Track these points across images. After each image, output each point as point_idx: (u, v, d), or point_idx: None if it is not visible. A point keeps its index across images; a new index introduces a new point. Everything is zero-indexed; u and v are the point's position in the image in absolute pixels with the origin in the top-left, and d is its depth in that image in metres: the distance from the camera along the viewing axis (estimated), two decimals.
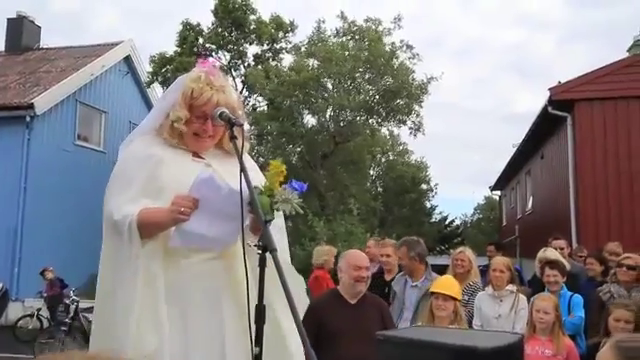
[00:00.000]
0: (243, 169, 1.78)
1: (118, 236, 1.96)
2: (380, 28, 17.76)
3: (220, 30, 18.31)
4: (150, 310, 1.90)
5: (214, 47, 18.41)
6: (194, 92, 2.09)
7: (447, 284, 4.08)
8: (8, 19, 17.30)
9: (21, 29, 17.12)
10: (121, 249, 1.95)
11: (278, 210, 1.89)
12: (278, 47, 19.06)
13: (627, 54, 14.04)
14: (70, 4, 59.63)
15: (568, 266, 5.36)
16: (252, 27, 18.18)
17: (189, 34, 18.21)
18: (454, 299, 3.91)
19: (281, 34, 18.80)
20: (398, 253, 4.75)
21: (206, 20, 18.80)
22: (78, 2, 60.37)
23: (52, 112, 13.93)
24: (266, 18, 18.60)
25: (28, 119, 13.11)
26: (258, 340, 1.62)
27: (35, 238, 11.44)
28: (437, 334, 2.22)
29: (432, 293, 4.00)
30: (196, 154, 2.17)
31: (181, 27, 18.42)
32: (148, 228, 1.93)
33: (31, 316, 10.42)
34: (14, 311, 10.69)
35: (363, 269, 3.59)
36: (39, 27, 17.91)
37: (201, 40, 18.42)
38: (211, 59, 2.29)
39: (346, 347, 3.29)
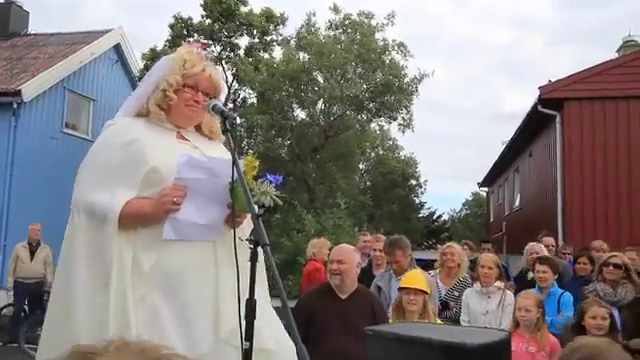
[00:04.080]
0: (235, 162, 1.77)
1: (92, 221, 1.90)
2: (373, 22, 17.73)
3: (210, 22, 18.19)
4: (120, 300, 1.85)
5: (204, 40, 18.27)
6: (187, 63, 2.10)
7: (415, 278, 4.06)
8: None
9: (9, 14, 16.84)
10: (95, 235, 1.89)
11: (257, 203, 1.89)
12: (269, 39, 18.97)
13: (616, 54, 14.17)
14: None
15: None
16: (241, 18, 18.06)
17: (180, 27, 18.09)
18: (424, 292, 3.91)
19: (272, 26, 18.71)
20: (397, 256, 4.76)
21: (198, 14, 18.70)
22: None
23: (40, 99, 13.75)
24: (257, 11, 18.53)
25: (15, 106, 12.91)
26: (248, 335, 1.61)
27: (21, 226, 11.26)
28: (426, 330, 2.23)
29: (401, 289, 3.98)
30: (180, 135, 2.13)
31: (173, 20, 18.32)
32: (130, 220, 1.89)
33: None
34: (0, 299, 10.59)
35: (334, 262, 3.60)
36: (27, 12, 17.64)
37: (193, 33, 18.28)
38: (199, 44, 2.30)
39: (333, 342, 3.29)
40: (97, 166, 2.01)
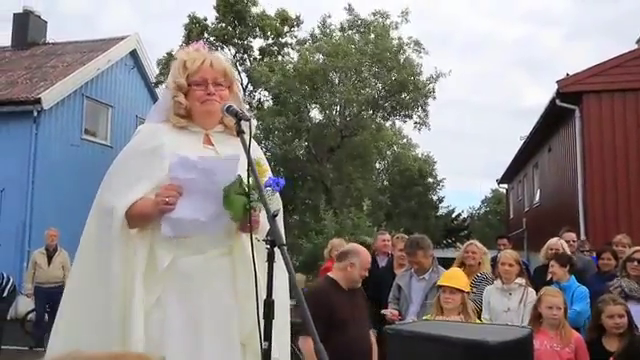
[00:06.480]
0: (251, 164, 1.77)
1: (105, 222, 1.94)
2: (387, 22, 17.68)
3: (224, 25, 18.28)
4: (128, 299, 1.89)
5: (219, 42, 18.38)
6: (187, 63, 2.10)
7: (454, 277, 4.10)
8: (14, 14, 17.30)
9: (27, 24, 17.13)
10: (107, 236, 1.92)
11: (252, 209, 1.89)
12: (283, 41, 19.00)
13: (636, 46, 13.91)
14: (80, 4, 59.82)
15: (575, 259, 5.34)
16: (254, 20, 18.12)
17: (195, 27, 18.20)
18: (461, 291, 3.94)
19: (286, 28, 18.73)
20: (418, 256, 4.78)
21: (212, 16, 18.79)
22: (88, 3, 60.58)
23: (59, 107, 13.95)
24: (272, 12, 18.57)
25: (35, 114, 13.12)
26: (267, 335, 1.61)
27: (44, 233, 11.48)
28: (447, 328, 2.22)
29: (440, 286, 4.04)
30: (208, 139, 2.12)
31: (187, 20, 18.45)
32: (135, 220, 1.92)
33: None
34: (24, 305, 10.76)
35: (367, 270, 3.99)
36: (45, 22, 17.92)
37: (206, 34, 18.37)
38: (200, 42, 2.28)
39: (353, 330, 3.65)
40: (119, 171, 2.05)
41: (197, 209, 1.90)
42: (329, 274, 3.95)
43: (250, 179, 1.81)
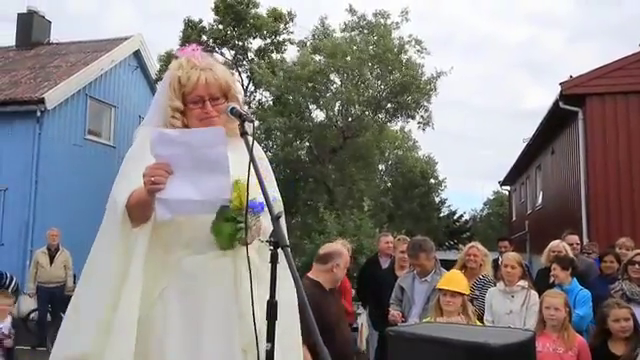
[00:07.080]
0: (253, 161, 1.77)
1: (109, 218, 1.94)
2: (388, 22, 17.65)
3: (222, 27, 18.24)
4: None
5: (217, 44, 18.34)
6: (181, 79, 2.04)
7: (454, 280, 4.11)
8: (18, 14, 17.35)
9: (31, 24, 17.18)
10: (110, 230, 1.92)
11: (241, 239, 1.84)
12: (281, 39, 18.96)
13: (639, 49, 13.88)
14: (84, 4, 60.01)
15: (577, 262, 5.33)
16: (252, 21, 18.07)
17: (191, 32, 18.12)
18: (461, 294, 3.94)
19: (282, 26, 18.68)
20: (421, 258, 4.79)
21: (209, 17, 18.72)
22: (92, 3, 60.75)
23: (62, 107, 13.98)
24: (264, 12, 18.49)
25: (39, 114, 13.16)
26: (270, 337, 1.62)
27: (46, 232, 11.50)
28: (449, 330, 2.22)
29: (440, 289, 4.04)
30: None
31: (184, 25, 18.39)
32: (135, 209, 1.87)
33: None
34: (26, 304, 10.78)
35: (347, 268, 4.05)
36: (49, 22, 17.96)
37: (204, 37, 18.31)
38: (193, 45, 2.17)
39: (339, 335, 3.62)
40: (121, 174, 2.04)
41: (189, 187, 1.78)
42: (310, 276, 3.82)
43: (258, 178, 1.79)
